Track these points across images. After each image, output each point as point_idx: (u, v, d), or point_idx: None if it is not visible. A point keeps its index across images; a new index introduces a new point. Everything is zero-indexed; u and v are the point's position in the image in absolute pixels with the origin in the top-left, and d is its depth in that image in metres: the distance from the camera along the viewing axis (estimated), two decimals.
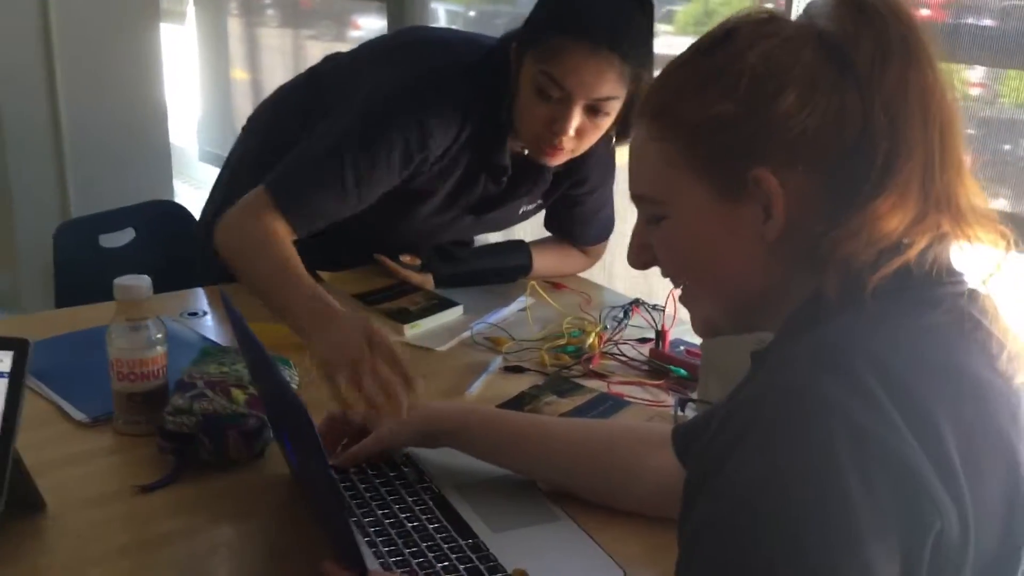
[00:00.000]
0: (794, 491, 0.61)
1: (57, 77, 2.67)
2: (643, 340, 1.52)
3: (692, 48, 0.78)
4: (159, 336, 1.18)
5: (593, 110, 1.35)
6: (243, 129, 1.76)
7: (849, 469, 0.59)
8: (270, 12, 3.36)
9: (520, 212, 1.65)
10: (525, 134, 1.42)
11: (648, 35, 1.35)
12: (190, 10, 3.13)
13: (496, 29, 2.86)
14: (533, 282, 1.68)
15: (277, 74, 3.06)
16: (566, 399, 1.30)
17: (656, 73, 1.29)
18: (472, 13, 2.87)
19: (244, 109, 3.24)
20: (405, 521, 1.00)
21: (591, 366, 1.41)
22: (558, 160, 1.44)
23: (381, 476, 1.08)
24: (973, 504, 0.60)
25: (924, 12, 1.88)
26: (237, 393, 1.15)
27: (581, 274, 1.83)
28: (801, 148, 0.71)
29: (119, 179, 2.84)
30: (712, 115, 0.73)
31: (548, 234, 1.81)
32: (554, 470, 1.09)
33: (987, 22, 1.85)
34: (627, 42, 1.31)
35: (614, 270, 1.96)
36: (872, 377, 0.62)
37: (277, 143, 1.65)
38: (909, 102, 0.69)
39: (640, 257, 0.82)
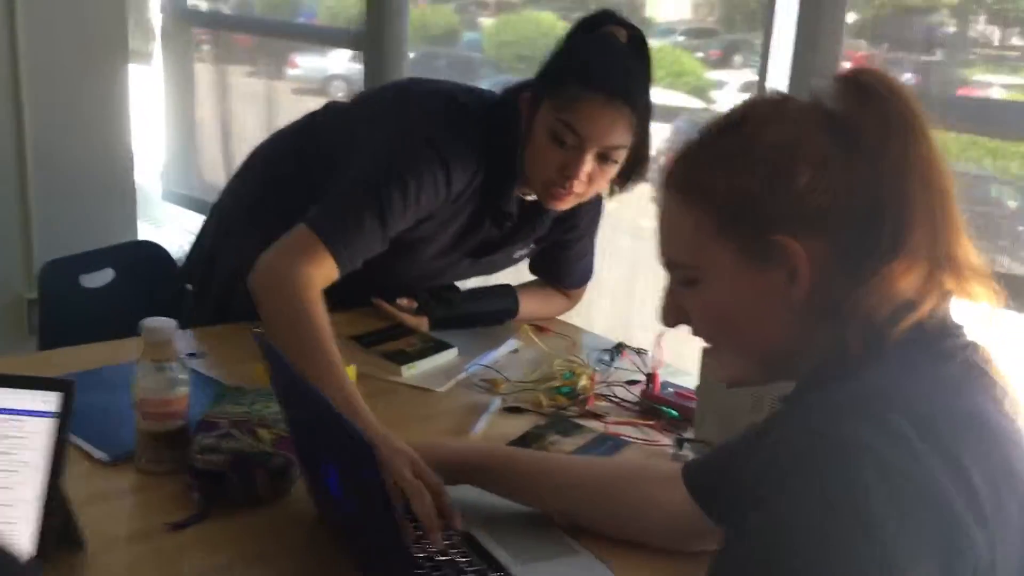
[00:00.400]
0: (829, 529, 0.67)
1: (25, 115, 2.66)
2: (631, 382, 1.60)
3: (714, 127, 0.86)
4: (182, 377, 1.22)
5: (603, 157, 1.45)
6: (236, 175, 1.80)
7: (883, 506, 0.66)
8: (233, 52, 3.40)
9: (515, 256, 1.73)
10: (536, 179, 1.51)
11: (649, 88, 1.45)
12: (156, 50, 3.15)
13: (436, 71, 2.96)
14: (526, 326, 1.75)
15: (247, 115, 3.10)
16: (569, 439, 1.36)
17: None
18: (412, 54, 2.95)
19: (209, 148, 3.27)
20: (435, 555, 1.06)
21: (587, 407, 1.48)
22: (566, 205, 1.53)
23: (407, 512, 1.13)
24: (999, 539, 0.69)
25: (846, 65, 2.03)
26: (263, 433, 1.19)
27: (562, 317, 1.90)
28: (819, 218, 0.79)
29: (83, 217, 2.83)
30: (738, 190, 0.81)
31: (528, 277, 1.89)
32: (570, 505, 1.15)
33: (908, 76, 2.00)
34: (636, 94, 1.41)
35: (592, 314, 2.04)
36: (904, 421, 0.70)
37: (274, 188, 1.70)
38: (912, 174, 0.78)
39: (673, 317, 0.90)
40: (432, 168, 1.46)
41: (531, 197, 1.59)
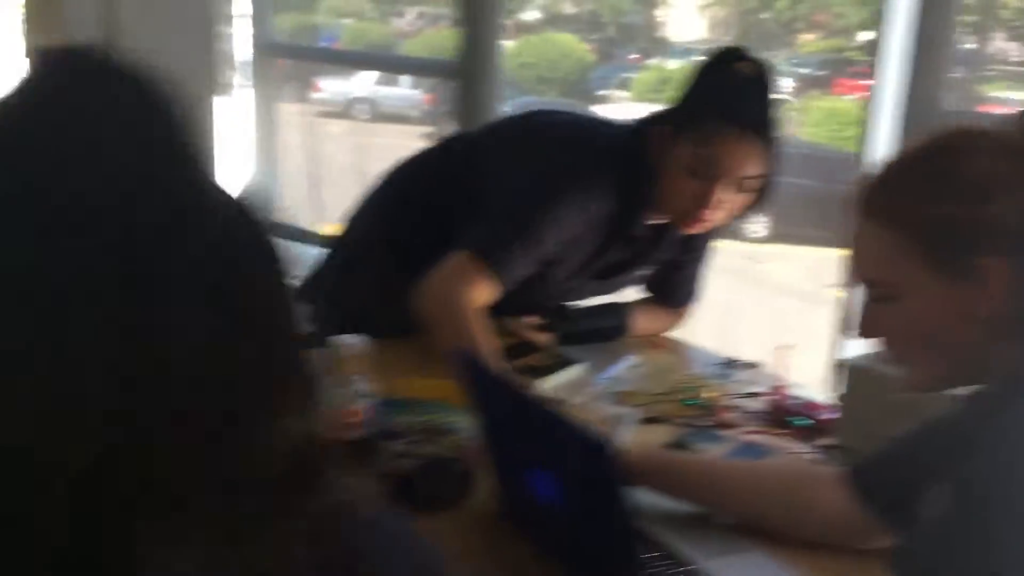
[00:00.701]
0: None
1: None
2: (752, 394, 1.68)
3: (913, 155, 0.96)
4: (364, 388, 1.31)
5: (738, 187, 1.54)
6: (364, 203, 1.88)
7: None
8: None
9: (636, 276, 1.83)
10: (672, 208, 1.61)
11: (777, 120, 1.55)
12: (237, 81, 3.27)
13: None
14: (643, 342, 1.84)
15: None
16: (716, 447, 1.45)
17: None
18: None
19: (292, 176, 3.38)
20: None
21: (719, 417, 1.57)
22: (699, 230, 1.63)
23: None
24: None
25: None
26: (445, 440, 1.28)
27: (670, 333, 1.99)
28: (1016, 240, 0.88)
29: None
30: (941, 215, 0.90)
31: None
32: (737, 506, 1.24)
33: None
34: (767, 127, 1.52)
35: (696, 330, 2.13)
36: None
37: (406, 215, 1.80)
38: None
39: (871, 331, 0.99)
40: (574, 196, 1.57)
41: (659, 221, 1.69)
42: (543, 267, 1.63)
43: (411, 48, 16.05)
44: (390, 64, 3.27)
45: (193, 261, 0.48)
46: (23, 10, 4.51)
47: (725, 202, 1.56)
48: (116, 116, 0.48)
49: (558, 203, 1.56)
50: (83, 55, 0.50)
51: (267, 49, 3.02)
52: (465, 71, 2.41)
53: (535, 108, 1.80)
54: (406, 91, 14.62)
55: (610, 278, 1.79)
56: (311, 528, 0.51)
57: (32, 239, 0.45)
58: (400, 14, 18.77)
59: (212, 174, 0.51)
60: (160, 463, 0.45)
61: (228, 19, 3.10)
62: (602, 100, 14.34)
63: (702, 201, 1.55)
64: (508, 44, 5.04)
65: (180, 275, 0.47)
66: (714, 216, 1.58)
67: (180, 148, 0.50)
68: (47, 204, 0.45)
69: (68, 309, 0.44)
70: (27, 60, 3.64)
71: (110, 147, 0.48)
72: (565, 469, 1.02)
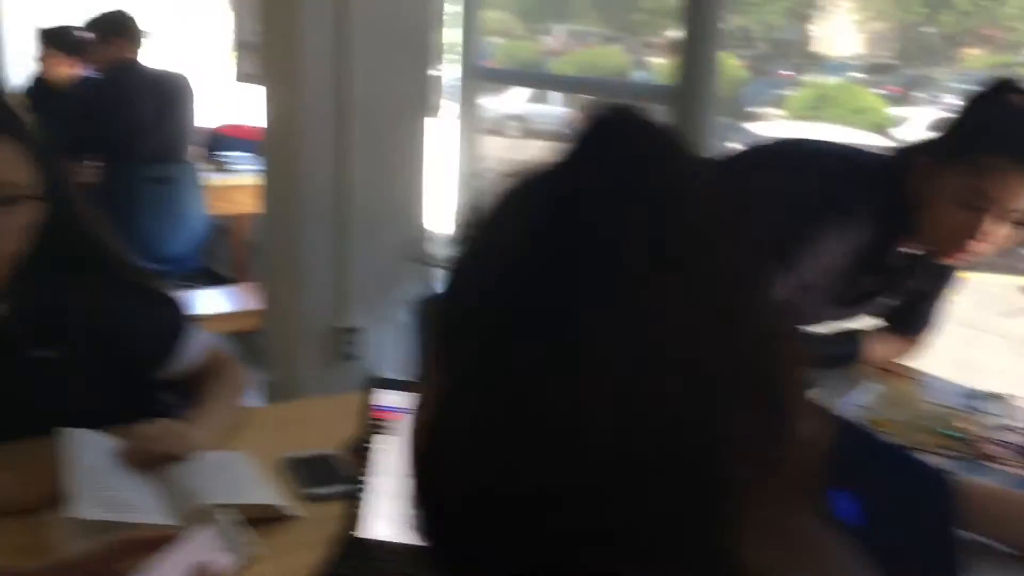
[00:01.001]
0: None
1: (348, 162, 2.97)
2: (1006, 427, 1.65)
3: None
4: None
5: (1008, 219, 1.55)
6: None
7: None
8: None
9: (879, 303, 1.83)
10: (935, 238, 1.62)
11: None
12: (444, 103, 3.43)
13: None
14: (878, 370, 1.85)
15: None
16: (986, 479, 1.44)
17: None
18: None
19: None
20: None
21: (979, 449, 1.55)
22: (961, 262, 1.63)
23: None
24: None
25: None
26: None
27: (905, 361, 1.97)
28: None
29: (386, 257, 3.13)
30: None
31: None
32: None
33: None
34: None
35: (931, 359, 2.11)
36: None
37: None
38: None
39: None
40: (834, 224, 1.60)
41: (915, 251, 1.69)
42: (798, 293, 1.66)
43: (559, 66, 16.22)
44: (607, 89, 3.33)
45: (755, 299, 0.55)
46: (233, 37, 4.84)
47: (992, 234, 1.55)
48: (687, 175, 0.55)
49: (819, 230, 1.59)
50: (629, 117, 0.57)
51: (476, 74, 3.15)
52: (683, 94, 2.45)
53: (787, 138, 1.83)
54: (557, 108, 14.79)
55: (856, 305, 1.79)
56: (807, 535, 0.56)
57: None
58: (548, 32, 19.03)
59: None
60: (732, 457, 0.51)
61: (439, 46, 3.27)
62: (755, 117, 14.09)
63: (970, 232, 1.55)
64: (659, 62, 5.03)
65: (756, 310, 0.54)
66: (980, 248, 1.57)
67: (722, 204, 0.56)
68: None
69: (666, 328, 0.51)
70: (251, 86, 3.90)
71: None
72: (877, 492, 1.05)
